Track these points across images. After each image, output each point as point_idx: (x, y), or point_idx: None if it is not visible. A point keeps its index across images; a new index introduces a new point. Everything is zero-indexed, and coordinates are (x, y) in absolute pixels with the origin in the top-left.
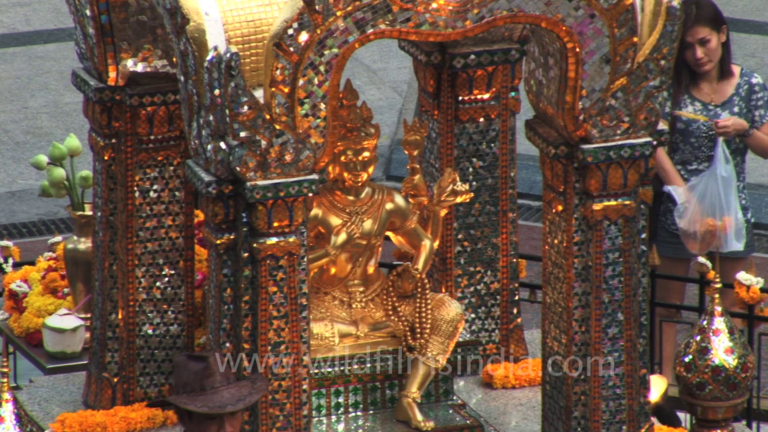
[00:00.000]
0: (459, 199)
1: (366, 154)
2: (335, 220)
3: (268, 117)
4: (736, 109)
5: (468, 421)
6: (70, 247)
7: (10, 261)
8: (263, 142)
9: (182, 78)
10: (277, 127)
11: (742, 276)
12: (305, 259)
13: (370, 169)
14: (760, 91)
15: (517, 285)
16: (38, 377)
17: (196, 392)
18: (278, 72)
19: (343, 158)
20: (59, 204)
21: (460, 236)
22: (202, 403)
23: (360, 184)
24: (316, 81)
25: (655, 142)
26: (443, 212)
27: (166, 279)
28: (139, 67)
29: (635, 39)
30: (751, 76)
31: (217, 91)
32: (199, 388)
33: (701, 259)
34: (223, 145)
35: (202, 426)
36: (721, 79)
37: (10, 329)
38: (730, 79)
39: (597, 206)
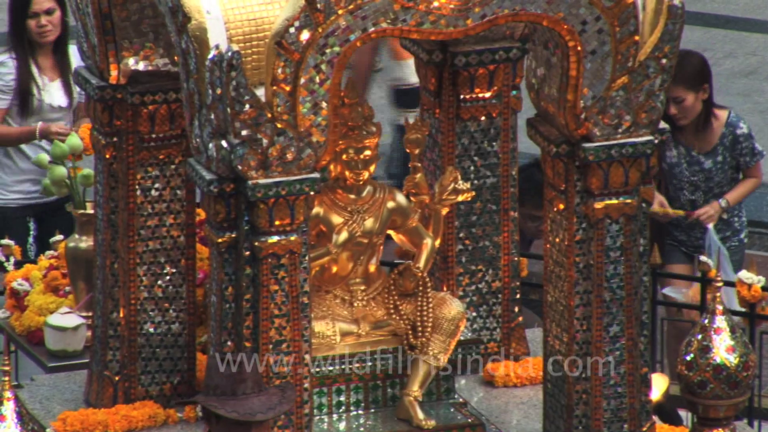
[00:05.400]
0: (460, 198)
1: (367, 152)
2: (337, 219)
3: (269, 115)
4: (719, 158)
5: (469, 420)
6: (72, 245)
7: (12, 259)
8: (264, 141)
9: (184, 76)
10: (279, 125)
11: (744, 274)
12: (307, 258)
13: (372, 168)
14: (744, 141)
15: (518, 283)
16: (40, 376)
17: (227, 396)
18: (280, 70)
19: (344, 157)
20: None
21: (461, 235)
22: (233, 408)
23: (361, 182)
24: (317, 79)
25: (656, 141)
26: (445, 211)
27: (168, 277)
28: (141, 66)
29: (636, 37)
30: (737, 126)
31: (218, 90)
32: (230, 393)
33: (703, 258)
34: (224, 143)
35: (230, 431)
36: (701, 131)
37: (12, 328)
38: (714, 128)
39: (598, 205)
